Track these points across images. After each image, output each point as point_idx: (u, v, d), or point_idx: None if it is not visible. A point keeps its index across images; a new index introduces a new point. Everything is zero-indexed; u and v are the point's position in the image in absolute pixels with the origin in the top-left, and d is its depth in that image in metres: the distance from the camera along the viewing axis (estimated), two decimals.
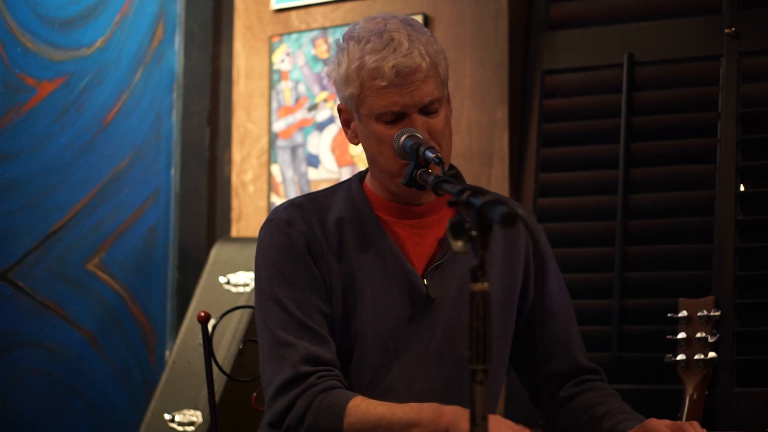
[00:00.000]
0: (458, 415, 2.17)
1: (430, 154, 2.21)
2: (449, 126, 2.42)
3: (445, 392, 2.33)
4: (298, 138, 3.64)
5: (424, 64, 2.34)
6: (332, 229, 2.43)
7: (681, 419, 2.67)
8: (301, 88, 3.65)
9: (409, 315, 2.40)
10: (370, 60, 2.33)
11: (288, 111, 3.67)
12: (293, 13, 3.69)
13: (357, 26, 2.40)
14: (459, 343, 2.42)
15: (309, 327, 2.36)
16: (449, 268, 2.43)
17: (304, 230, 2.42)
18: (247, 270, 3.49)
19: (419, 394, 2.33)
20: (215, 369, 2.73)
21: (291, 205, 2.48)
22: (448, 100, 2.47)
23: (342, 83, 2.38)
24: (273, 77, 3.71)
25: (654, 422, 2.27)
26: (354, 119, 2.43)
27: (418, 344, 2.41)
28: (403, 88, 2.33)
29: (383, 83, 2.33)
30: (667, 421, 2.25)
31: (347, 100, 2.41)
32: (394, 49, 2.33)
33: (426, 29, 2.42)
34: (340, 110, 2.46)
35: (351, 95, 2.38)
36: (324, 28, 3.62)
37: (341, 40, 2.41)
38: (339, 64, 2.39)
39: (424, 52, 2.35)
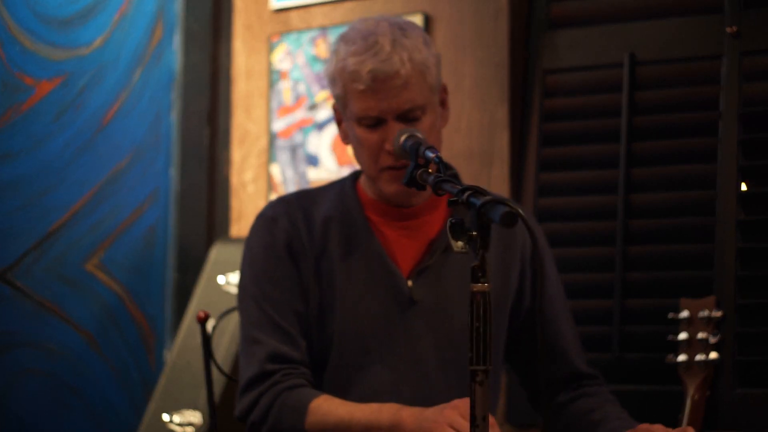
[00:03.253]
0: (424, 418, 2.15)
1: (430, 154, 2.20)
2: (435, 133, 2.41)
3: (436, 397, 2.32)
4: (298, 138, 3.63)
5: (403, 71, 2.33)
6: (318, 227, 2.43)
7: (682, 420, 2.66)
8: (301, 87, 3.64)
9: (391, 317, 2.40)
10: (351, 62, 2.34)
11: (287, 110, 3.66)
12: (293, 13, 3.68)
13: (352, 27, 2.41)
14: (449, 348, 2.41)
15: (280, 326, 2.38)
16: (438, 271, 2.42)
17: (288, 228, 2.43)
18: None
19: (409, 399, 2.31)
20: (215, 369, 2.72)
21: (280, 201, 2.49)
22: (443, 105, 2.46)
23: (331, 83, 2.41)
24: (272, 77, 3.70)
25: (645, 427, 2.26)
26: (344, 119, 2.45)
27: (404, 347, 2.40)
28: (380, 94, 2.33)
29: (361, 87, 2.33)
30: (659, 427, 2.24)
31: (336, 100, 2.43)
32: (375, 53, 2.33)
33: (420, 34, 2.40)
34: (334, 109, 2.47)
35: (338, 96, 2.41)
36: (324, 28, 3.61)
37: (336, 39, 2.42)
38: (329, 64, 2.40)
39: (405, 58, 2.34)
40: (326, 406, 2.28)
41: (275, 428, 2.31)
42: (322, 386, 2.40)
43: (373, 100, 2.34)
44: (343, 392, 2.36)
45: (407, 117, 2.36)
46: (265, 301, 2.40)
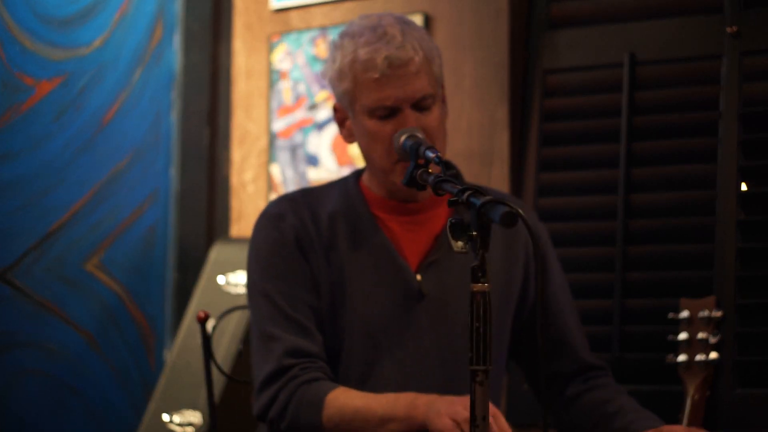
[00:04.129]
0: (433, 408, 2.15)
1: (430, 154, 2.20)
2: (443, 126, 2.42)
3: (442, 390, 2.32)
4: (298, 138, 3.63)
5: (417, 58, 2.34)
6: (324, 223, 2.44)
7: (682, 420, 2.66)
8: (301, 87, 3.64)
9: (400, 310, 2.40)
10: (363, 52, 2.34)
11: (287, 110, 3.66)
12: (293, 13, 3.68)
13: (352, 24, 2.41)
14: (456, 341, 2.41)
15: (296, 320, 2.37)
16: (444, 264, 2.43)
17: (295, 224, 2.43)
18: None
19: (415, 392, 2.32)
20: (215, 369, 2.72)
21: (284, 198, 2.50)
22: (444, 101, 2.47)
23: (336, 79, 2.40)
24: (272, 77, 3.70)
25: (669, 429, 2.26)
26: (348, 117, 2.44)
27: (412, 341, 2.40)
28: (396, 81, 2.33)
29: (375, 75, 2.33)
30: (681, 428, 2.24)
31: (341, 97, 2.42)
32: (388, 42, 2.34)
33: (421, 28, 2.42)
34: (335, 109, 2.47)
35: (345, 91, 2.39)
36: (324, 28, 3.61)
37: (336, 39, 2.42)
38: (333, 61, 2.40)
39: (417, 46, 2.35)
40: (342, 398, 2.28)
41: (294, 423, 2.31)
42: (335, 381, 2.40)
43: (388, 88, 2.34)
44: (355, 385, 2.36)
45: (421, 105, 2.36)
46: (277, 295, 2.39)
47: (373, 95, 2.35)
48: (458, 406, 2.12)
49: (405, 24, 2.39)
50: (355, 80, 2.37)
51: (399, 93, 2.34)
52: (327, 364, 2.39)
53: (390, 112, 2.36)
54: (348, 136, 2.47)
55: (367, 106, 2.37)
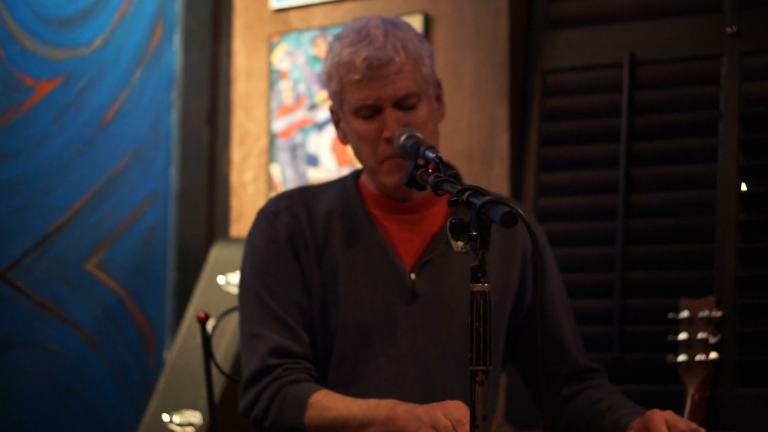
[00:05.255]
0: (413, 415, 2.16)
1: (430, 154, 2.21)
2: (431, 126, 2.43)
3: (438, 391, 2.33)
4: (298, 138, 3.63)
5: (397, 58, 2.36)
6: (320, 221, 2.45)
7: None
8: (301, 87, 3.64)
9: (394, 310, 2.41)
10: (345, 54, 2.37)
11: (287, 110, 3.66)
12: (293, 13, 3.68)
13: (344, 27, 2.44)
14: (450, 341, 2.41)
15: (282, 320, 2.39)
16: (440, 264, 2.44)
17: (289, 222, 2.44)
18: None
19: (411, 393, 2.33)
20: (215, 369, 2.72)
21: (282, 196, 2.51)
22: (437, 99, 2.48)
23: (327, 81, 2.43)
24: (272, 77, 3.70)
25: (655, 414, 2.25)
26: (341, 118, 2.46)
27: (406, 340, 2.40)
28: (376, 81, 2.36)
29: (357, 76, 2.36)
30: (668, 413, 2.24)
31: (333, 98, 2.45)
32: (369, 43, 2.36)
33: (412, 29, 2.44)
34: (331, 111, 2.49)
35: (334, 92, 2.43)
36: (324, 28, 3.61)
37: (331, 40, 2.45)
38: (325, 63, 2.43)
39: (399, 47, 2.37)
40: (325, 401, 2.29)
41: (276, 423, 2.32)
42: (326, 379, 2.40)
43: (369, 88, 2.36)
44: (346, 385, 2.37)
45: (403, 104, 2.38)
46: (266, 293, 2.41)
47: (356, 95, 2.38)
48: (438, 413, 2.11)
49: (392, 25, 2.40)
50: (340, 82, 2.40)
51: (380, 93, 2.36)
52: (312, 364, 2.40)
53: (373, 112, 2.38)
54: (342, 137, 2.49)
55: (352, 106, 2.39)
